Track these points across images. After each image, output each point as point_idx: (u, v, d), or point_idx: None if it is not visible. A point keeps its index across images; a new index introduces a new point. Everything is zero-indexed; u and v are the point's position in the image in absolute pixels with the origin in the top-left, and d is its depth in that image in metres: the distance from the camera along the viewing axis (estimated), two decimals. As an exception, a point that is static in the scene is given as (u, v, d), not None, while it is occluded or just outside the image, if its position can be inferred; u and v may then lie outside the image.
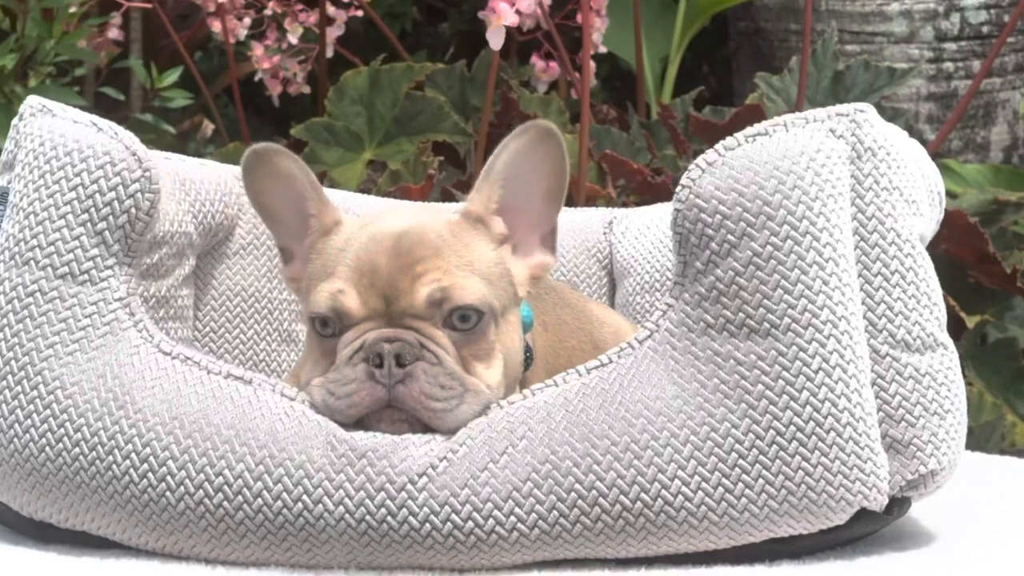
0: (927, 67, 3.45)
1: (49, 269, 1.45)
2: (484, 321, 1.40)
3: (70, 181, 1.47)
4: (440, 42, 4.16)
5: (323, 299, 1.40)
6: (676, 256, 1.40)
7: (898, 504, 1.41)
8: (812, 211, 1.36)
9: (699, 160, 1.38)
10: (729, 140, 1.39)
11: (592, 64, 3.21)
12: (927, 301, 1.42)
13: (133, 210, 1.48)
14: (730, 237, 1.36)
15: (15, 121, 1.55)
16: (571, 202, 2.54)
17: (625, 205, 2.69)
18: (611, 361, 1.39)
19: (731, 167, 1.38)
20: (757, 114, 2.86)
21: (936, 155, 3.08)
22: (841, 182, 1.38)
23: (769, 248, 1.35)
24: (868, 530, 1.41)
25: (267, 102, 3.25)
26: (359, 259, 1.40)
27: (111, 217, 1.47)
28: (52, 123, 1.51)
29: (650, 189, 2.71)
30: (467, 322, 1.39)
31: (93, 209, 1.47)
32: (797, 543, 1.37)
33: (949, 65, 3.48)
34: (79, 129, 1.50)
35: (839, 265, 1.36)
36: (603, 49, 3.21)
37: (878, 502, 1.36)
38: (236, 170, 1.91)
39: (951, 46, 3.48)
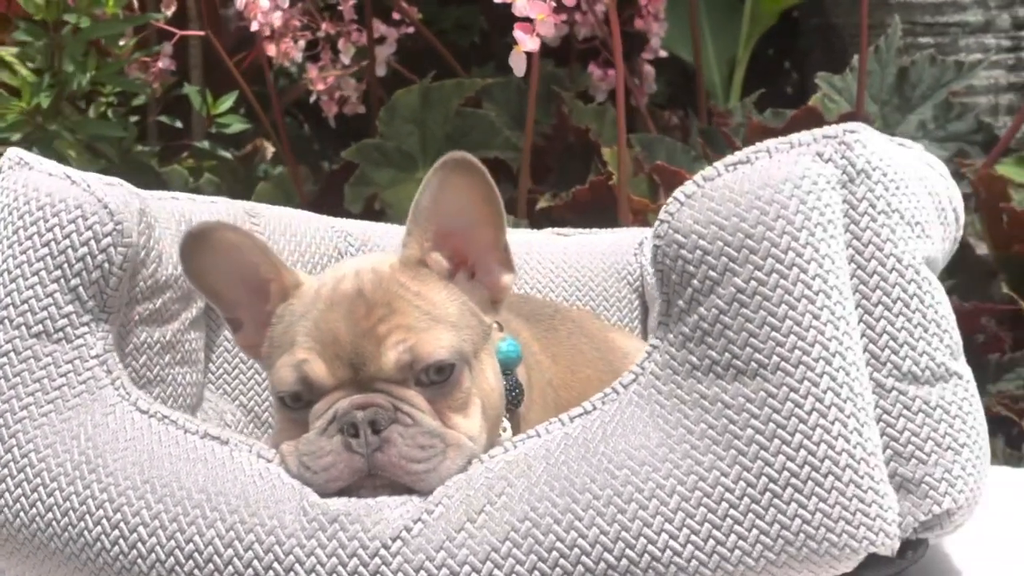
0: (1005, 56, 3.32)
1: (23, 328, 1.42)
2: (457, 370, 1.34)
3: (43, 236, 1.44)
4: (508, 54, 4.08)
5: (288, 374, 1.35)
6: (659, 294, 1.32)
7: (913, 546, 1.32)
8: (798, 242, 1.27)
9: (677, 192, 1.31)
10: (708, 170, 1.32)
11: (651, 70, 3.14)
12: (936, 329, 1.33)
13: (106, 265, 1.44)
14: (712, 273, 1.28)
15: (-6, 174, 1.52)
16: (613, 220, 2.47)
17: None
18: (595, 408, 1.32)
19: (710, 199, 1.30)
20: (815, 116, 2.76)
21: (1010, 149, 2.96)
22: (831, 209, 1.30)
23: (753, 283, 1.27)
24: (881, 575, 1.32)
25: (340, 119, 3.21)
26: (319, 329, 1.35)
27: (84, 273, 1.43)
28: (28, 176, 1.48)
29: (705, 199, 2.62)
30: (441, 374, 1.34)
31: (66, 265, 1.43)
32: (804, 593, 1.29)
33: (1029, 53, 3.34)
34: (53, 182, 1.46)
35: (831, 297, 1.28)
36: (663, 54, 3.13)
37: (888, 546, 1.27)
38: (247, 205, 1.88)
39: (1030, 33, 3.34)
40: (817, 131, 1.33)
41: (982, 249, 2.76)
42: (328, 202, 2.88)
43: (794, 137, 1.33)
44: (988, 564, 1.48)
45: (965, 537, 1.43)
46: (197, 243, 1.41)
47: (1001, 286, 2.62)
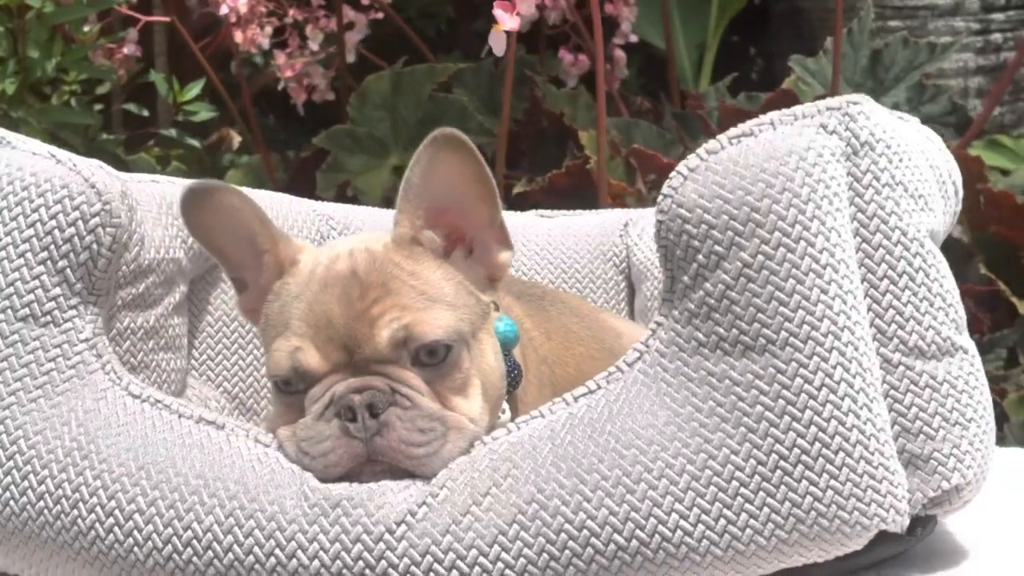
0: (974, 39, 3.32)
1: (9, 311, 1.38)
2: (455, 351, 1.31)
3: (28, 217, 1.40)
4: (477, 40, 4.06)
5: (282, 359, 1.31)
6: (663, 270, 1.30)
7: (922, 523, 1.30)
8: (804, 215, 1.25)
9: (680, 166, 1.28)
10: (712, 143, 1.29)
11: (622, 55, 3.13)
12: (941, 303, 1.31)
13: (95, 246, 1.40)
14: (717, 248, 1.26)
15: (-24, 155, 1.48)
16: (592, 202, 2.45)
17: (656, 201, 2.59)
18: (599, 387, 1.30)
19: (715, 172, 1.27)
20: (790, 99, 2.75)
21: (983, 131, 2.96)
22: (836, 181, 1.28)
23: (760, 258, 1.25)
24: (890, 553, 1.31)
25: (305, 107, 3.17)
26: (312, 311, 1.31)
27: (72, 254, 1.39)
28: (11, 155, 1.44)
29: (682, 183, 2.60)
30: (436, 356, 1.30)
31: (53, 246, 1.39)
32: (813, 572, 1.27)
33: (997, 36, 3.34)
34: (38, 161, 1.42)
35: (838, 271, 1.26)
36: (634, 38, 3.12)
37: (898, 523, 1.26)
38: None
39: (999, 16, 3.34)
40: (821, 103, 1.31)
41: (959, 230, 2.76)
42: (299, 189, 2.83)
43: (798, 109, 1.31)
44: (981, 543, 1.46)
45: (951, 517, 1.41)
46: (197, 200, 1.37)
47: (979, 267, 2.62)
